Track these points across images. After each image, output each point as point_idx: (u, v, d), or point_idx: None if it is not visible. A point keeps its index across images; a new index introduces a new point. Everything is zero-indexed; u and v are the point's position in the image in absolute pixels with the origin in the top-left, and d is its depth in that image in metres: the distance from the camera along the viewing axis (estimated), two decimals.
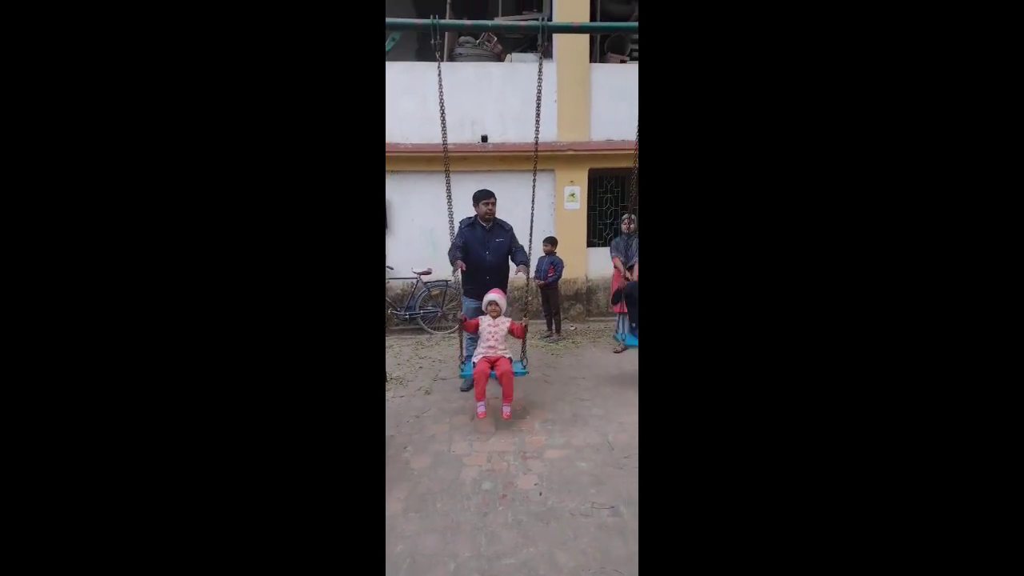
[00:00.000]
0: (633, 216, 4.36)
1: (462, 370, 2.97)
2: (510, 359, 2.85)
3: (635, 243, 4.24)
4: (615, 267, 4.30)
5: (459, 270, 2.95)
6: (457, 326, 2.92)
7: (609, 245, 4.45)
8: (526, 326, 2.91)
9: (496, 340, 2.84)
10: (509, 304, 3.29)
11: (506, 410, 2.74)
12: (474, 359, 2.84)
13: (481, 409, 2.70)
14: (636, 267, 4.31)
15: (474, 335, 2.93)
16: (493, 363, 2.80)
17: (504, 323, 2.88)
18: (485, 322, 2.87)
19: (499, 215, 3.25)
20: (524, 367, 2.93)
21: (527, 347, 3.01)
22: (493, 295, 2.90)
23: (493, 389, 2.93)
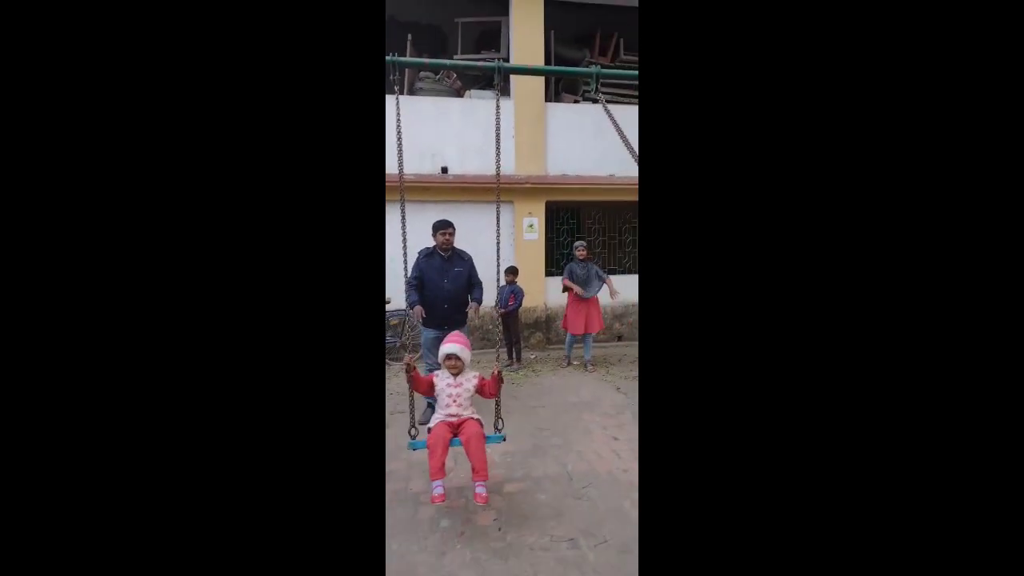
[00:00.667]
0: (584, 243, 4.61)
1: (412, 439, 2.13)
2: (479, 421, 2.12)
3: (593, 268, 4.52)
4: (568, 288, 4.51)
5: (417, 318, 2.84)
6: (405, 362, 2.08)
7: (563, 270, 4.65)
8: (500, 374, 2.14)
9: (460, 405, 2.11)
10: (469, 333, 3.26)
11: (480, 491, 1.96)
12: (430, 425, 2.11)
13: (438, 490, 1.91)
14: (608, 281, 4.47)
15: (431, 397, 2.20)
16: (456, 428, 2.08)
17: (470, 381, 2.15)
18: (443, 381, 2.12)
19: (461, 245, 3.27)
20: (500, 431, 2.19)
21: (501, 405, 2.27)
22: (451, 345, 2.15)
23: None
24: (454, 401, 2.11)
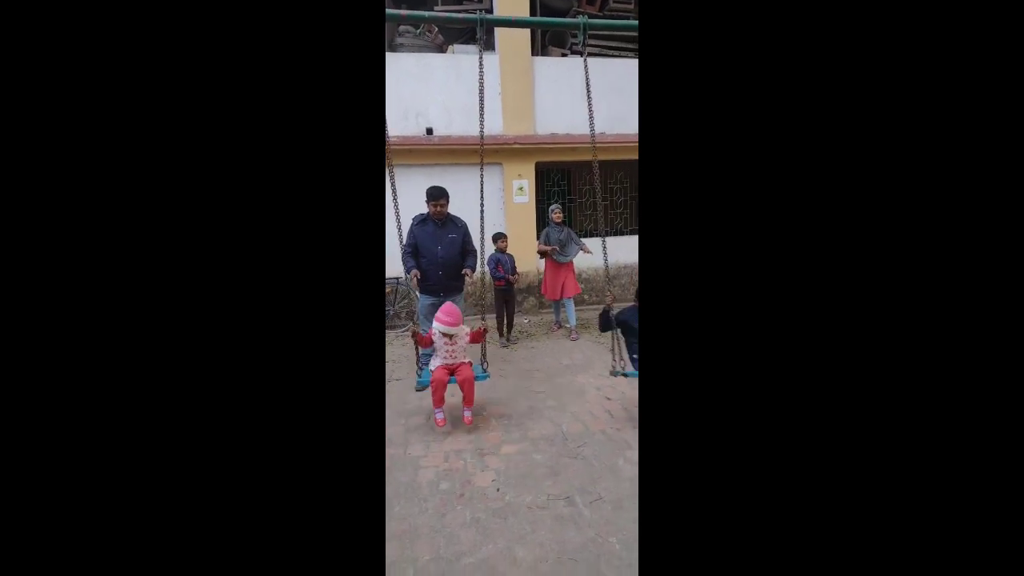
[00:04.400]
0: (559, 206, 4.47)
1: (419, 377, 2.87)
2: (470, 363, 2.73)
3: (569, 231, 4.37)
4: (544, 253, 4.39)
5: (413, 279, 2.93)
6: (410, 330, 2.66)
7: (540, 236, 4.55)
8: (485, 330, 2.78)
9: (454, 356, 2.68)
10: (463, 300, 3.27)
11: (467, 414, 2.63)
12: (431, 367, 2.70)
13: (440, 416, 2.60)
14: (583, 245, 4.38)
15: (429, 346, 2.76)
16: (453, 370, 2.67)
17: (462, 337, 2.69)
18: (440, 340, 2.66)
19: (452, 211, 3.22)
20: (485, 371, 2.81)
21: (486, 349, 2.90)
22: (441, 323, 2.60)
23: (451, 393, 2.88)
24: (450, 355, 2.66)
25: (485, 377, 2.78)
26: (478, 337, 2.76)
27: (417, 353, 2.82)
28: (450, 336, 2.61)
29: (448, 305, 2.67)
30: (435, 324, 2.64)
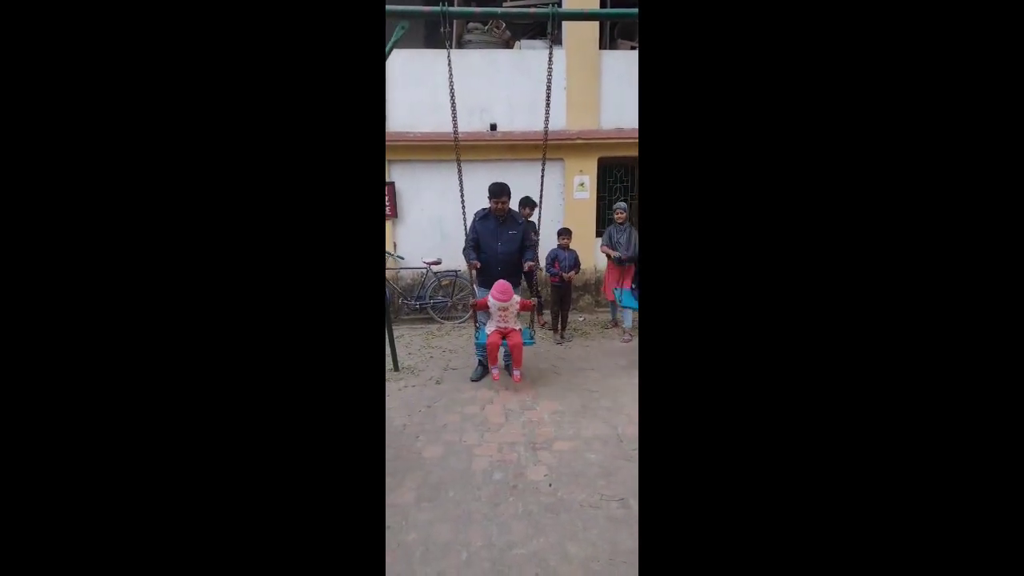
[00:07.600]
0: (624, 206, 4.21)
1: (477, 338, 3.26)
2: (520, 330, 3.14)
3: (628, 235, 4.12)
4: (606, 255, 4.23)
5: (473, 271, 3.17)
6: (469, 313, 3.17)
7: (603, 234, 4.37)
8: (534, 303, 3.33)
9: (507, 321, 3.08)
10: (520, 293, 3.32)
11: (516, 374, 3.09)
12: (487, 330, 3.09)
13: (495, 371, 3.11)
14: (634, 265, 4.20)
15: (485, 310, 3.17)
16: (505, 335, 3.08)
17: (513, 306, 3.07)
18: (495, 306, 3.05)
19: (513, 206, 3.28)
20: (531, 337, 3.24)
21: (534, 318, 3.40)
22: (495, 299, 2.98)
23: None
24: (503, 319, 3.08)
25: (531, 343, 3.23)
26: (528, 306, 3.18)
27: (475, 317, 3.29)
28: (503, 308, 3.06)
29: (500, 282, 2.99)
30: (490, 299, 3.03)
